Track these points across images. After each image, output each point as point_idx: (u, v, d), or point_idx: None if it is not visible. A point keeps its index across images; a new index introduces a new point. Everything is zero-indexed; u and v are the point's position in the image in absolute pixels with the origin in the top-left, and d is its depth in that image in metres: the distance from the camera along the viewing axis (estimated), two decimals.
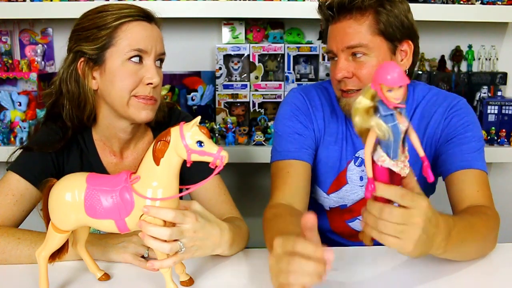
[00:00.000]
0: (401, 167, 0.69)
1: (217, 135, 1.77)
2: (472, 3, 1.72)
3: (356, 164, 1.19)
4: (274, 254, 0.72)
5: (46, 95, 1.07)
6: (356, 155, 1.19)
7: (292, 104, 1.20)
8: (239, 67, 1.85)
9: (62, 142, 1.05)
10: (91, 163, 1.09)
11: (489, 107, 1.79)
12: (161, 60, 1.05)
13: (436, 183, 1.21)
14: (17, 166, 1.03)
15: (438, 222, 0.76)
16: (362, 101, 0.66)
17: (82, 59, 1.00)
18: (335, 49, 1.08)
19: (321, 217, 1.26)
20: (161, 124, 1.12)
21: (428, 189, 1.24)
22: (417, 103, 1.18)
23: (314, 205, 1.27)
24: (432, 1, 1.70)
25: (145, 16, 1.01)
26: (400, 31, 1.07)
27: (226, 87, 1.83)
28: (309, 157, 1.16)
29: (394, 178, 0.71)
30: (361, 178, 1.19)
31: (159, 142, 0.75)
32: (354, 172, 1.19)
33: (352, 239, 1.25)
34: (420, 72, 1.86)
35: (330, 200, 1.22)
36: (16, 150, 1.07)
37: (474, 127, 1.12)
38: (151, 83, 0.99)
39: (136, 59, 0.98)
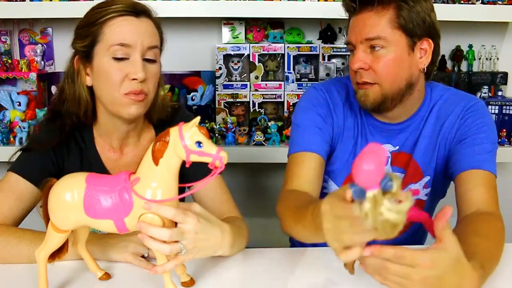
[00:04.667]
0: None
1: (217, 135, 1.76)
2: (472, 3, 1.72)
3: None
4: (327, 219, 0.71)
5: (56, 94, 1.10)
6: None
7: (312, 98, 1.21)
8: (239, 67, 1.85)
9: (59, 138, 1.05)
10: (90, 160, 1.09)
11: (489, 107, 1.79)
12: (155, 53, 1.03)
13: (448, 187, 1.20)
14: (17, 166, 1.03)
15: (464, 273, 0.75)
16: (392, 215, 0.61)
17: (77, 56, 1.03)
18: (354, 41, 1.09)
19: None
20: (164, 122, 1.12)
21: (438, 193, 1.24)
22: (434, 102, 1.18)
23: None
24: (433, 1, 1.70)
25: (133, 10, 1.00)
26: (420, 28, 1.07)
27: (226, 87, 1.83)
28: (325, 153, 1.17)
29: None
30: None
31: (158, 143, 0.75)
32: None
33: None
34: None
35: None
36: (16, 152, 1.07)
37: (488, 129, 1.11)
38: (136, 79, 0.98)
39: (121, 55, 0.98)
